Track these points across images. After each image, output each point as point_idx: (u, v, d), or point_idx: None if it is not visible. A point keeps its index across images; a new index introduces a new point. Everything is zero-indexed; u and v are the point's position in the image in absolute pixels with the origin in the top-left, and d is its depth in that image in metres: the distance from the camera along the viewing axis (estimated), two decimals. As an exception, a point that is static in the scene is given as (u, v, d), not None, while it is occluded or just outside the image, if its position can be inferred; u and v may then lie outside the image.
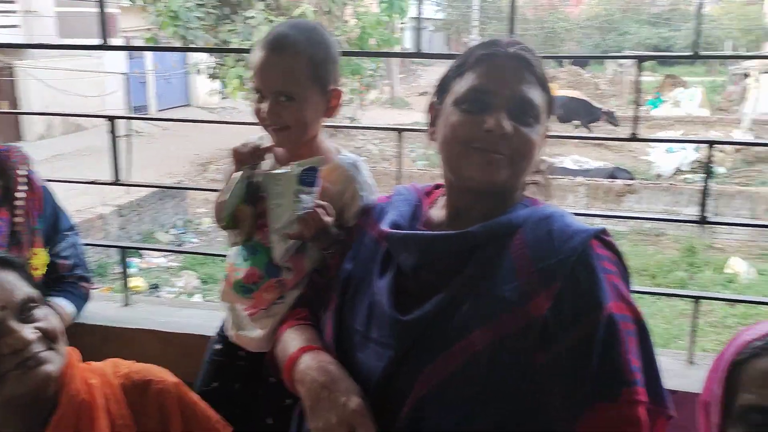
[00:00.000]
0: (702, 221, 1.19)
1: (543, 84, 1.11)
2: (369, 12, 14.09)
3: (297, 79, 1.31)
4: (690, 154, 13.60)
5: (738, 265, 9.38)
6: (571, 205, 11.42)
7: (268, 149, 1.37)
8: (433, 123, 1.19)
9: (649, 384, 1.02)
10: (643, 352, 1.04)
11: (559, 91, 23.01)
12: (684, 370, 1.62)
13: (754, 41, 27.10)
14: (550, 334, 1.01)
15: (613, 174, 12.27)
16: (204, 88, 17.45)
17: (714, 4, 32.92)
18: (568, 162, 13.53)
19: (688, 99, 20.17)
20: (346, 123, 17.11)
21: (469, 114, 1.08)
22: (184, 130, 16.19)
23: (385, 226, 1.19)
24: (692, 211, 10.91)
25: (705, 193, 1.18)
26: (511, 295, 1.03)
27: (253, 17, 12.32)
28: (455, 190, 1.17)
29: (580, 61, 33.52)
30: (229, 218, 1.37)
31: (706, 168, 1.19)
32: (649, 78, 23.28)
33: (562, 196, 11.44)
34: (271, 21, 11.62)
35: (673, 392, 1.11)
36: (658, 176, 13.64)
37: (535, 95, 1.09)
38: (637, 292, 1.24)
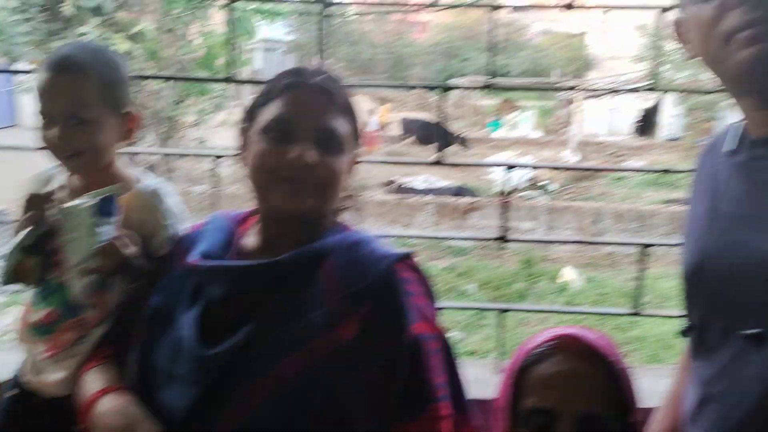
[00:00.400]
0: (503, 238, 1.28)
1: (348, 113, 1.13)
2: (215, 32, 13.80)
3: (88, 101, 1.24)
4: (526, 173, 14.67)
5: (569, 274, 10.22)
6: (420, 224, 11.89)
7: (46, 198, 1.28)
8: (243, 148, 1.18)
9: (455, 396, 1.07)
10: (449, 367, 1.09)
11: (414, 114, 24.00)
12: (493, 378, 1.70)
13: (577, 69, 29.90)
14: (357, 358, 1.03)
15: (458, 192, 12.91)
16: (33, 106, 16.08)
17: (543, 35, 36.06)
18: (418, 182, 14.04)
19: (524, 122, 21.83)
20: (195, 145, 16.59)
21: (274, 143, 1.08)
22: (8, 152, 14.78)
23: (195, 256, 1.16)
24: (529, 226, 11.77)
25: (505, 212, 1.26)
26: (319, 321, 1.04)
27: (86, 34, 11.59)
28: (266, 218, 1.16)
29: (427, 87, 35.14)
30: (10, 276, 1.27)
31: (503, 190, 1.27)
32: (489, 101, 24.93)
33: (411, 215, 11.85)
34: (106, 39, 11.00)
35: (482, 401, 1.17)
36: (501, 193, 14.54)
37: (339, 125, 1.11)
38: (445, 308, 1.29)
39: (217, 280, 1.12)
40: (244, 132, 1.18)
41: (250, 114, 1.16)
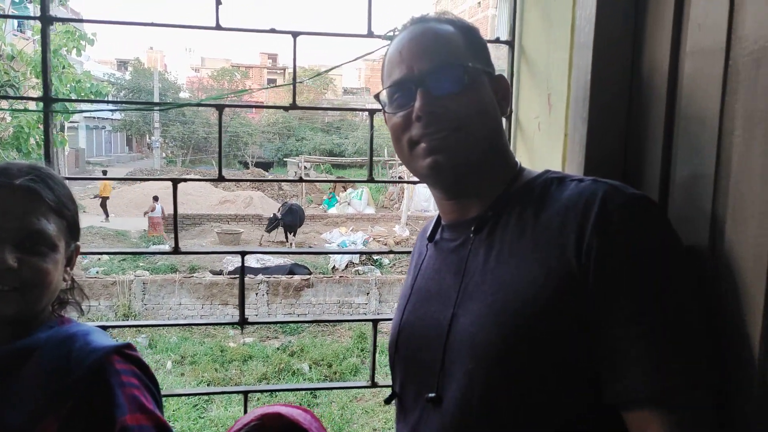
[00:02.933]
0: (242, 323, 1.32)
1: (59, 211, 1.13)
2: (27, 109, 12.94)
3: None
4: (360, 248, 15.08)
5: (397, 344, 10.47)
6: (254, 303, 11.67)
7: None
8: None
9: None
10: None
11: (246, 191, 23.84)
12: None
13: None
14: None
15: (291, 270, 12.89)
16: None
17: (378, 116, 37.90)
18: (252, 261, 13.87)
19: (357, 198, 22.56)
20: None
21: None
22: None
23: None
24: (362, 300, 11.95)
25: (242, 299, 1.32)
26: (15, 421, 1.01)
27: None
28: None
29: (264, 163, 35.34)
30: None
31: (241, 275, 1.33)
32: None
33: (245, 295, 11.56)
34: None
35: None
36: (334, 269, 14.74)
37: (47, 225, 1.10)
38: (188, 395, 1.30)
39: None
40: None
41: None
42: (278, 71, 53.86)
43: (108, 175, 28.81)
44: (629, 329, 0.81)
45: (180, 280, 11.80)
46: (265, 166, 34.59)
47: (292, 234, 17.37)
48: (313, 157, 28.61)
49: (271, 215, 17.82)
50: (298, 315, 11.86)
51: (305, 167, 25.36)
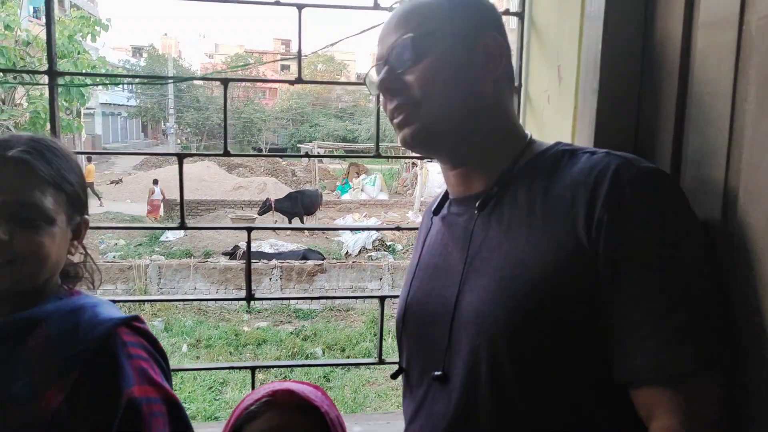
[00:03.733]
0: (248, 298, 1.32)
1: (56, 184, 1.12)
2: (43, 96, 13.04)
3: None
4: (373, 234, 15.10)
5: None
6: (267, 288, 11.73)
7: None
8: None
9: None
10: (176, 430, 1.09)
11: (259, 177, 23.94)
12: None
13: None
14: (65, 426, 1.00)
15: (305, 255, 12.92)
16: None
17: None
18: (266, 246, 13.93)
19: (370, 184, 22.54)
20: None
21: None
22: None
23: None
24: (375, 285, 11.99)
25: (249, 275, 1.32)
26: (20, 391, 1.01)
27: None
28: None
29: (277, 149, 35.41)
30: None
31: (247, 251, 1.33)
32: (337, 166, 25.55)
33: (257, 280, 11.67)
34: None
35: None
36: (347, 254, 14.77)
37: (41, 197, 1.08)
38: (195, 369, 1.30)
39: None
40: None
41: None
42: (292, 57, 53.80)
43: (122, 162, 29.01)
44: (638, 306, 0.79)
45: (195, 265, 11.89)
46: (279, 152, 34.65)
47: (296, 221, 17.40)
48: (327, 143, 28.61)
49: (265, 199, 17.84)
50: (311, 300, 11.91)
51: (319, 153, 25.38)
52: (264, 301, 11.70)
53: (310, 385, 1.12)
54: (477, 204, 0.97)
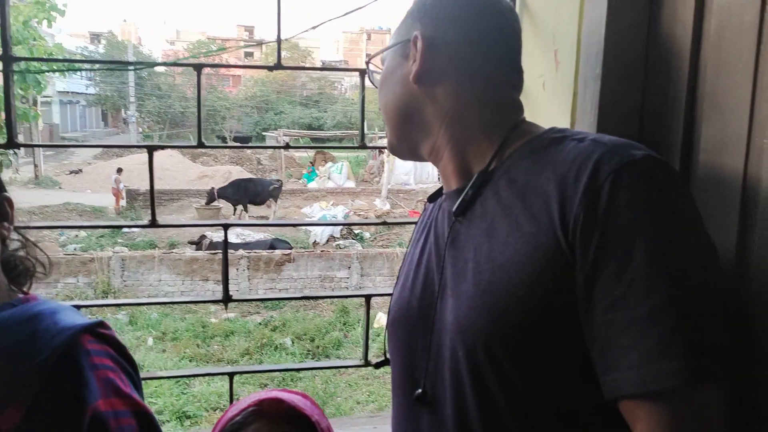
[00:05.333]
0: (226, 300, 1.24)
1: None
2: (-4, 84, 12.57)
3: None
4: (341, 221, 15.04)
5: (384, 320, 10.49)
6: (234, 278, 11.56)
7: None
8: None
9: None
10: None
11: (224, 166, 23.58)
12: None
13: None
14: None
15: (272, 245, 12.77)
16: None
17: (354, 89, 37.77)
18: (232, 236, 13.72)
19: (337, 172, 22.40)
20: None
21: None
22: None
23: None
24: (344, 274, 11.92)
25: (226, 276, 1.23)
26: None
27: None
28: None
29: (242, 137, 34.94)
30: None
31: (224, 250, 1.24)
32: (303, 154, 25.32)
33: (225, 271, 11.49)
34: None
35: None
36: (315, 243, 14.66)
37: None
38: (170, 377, 1.21)
39: None
40: None
41: None
42: (255, 44, 53.00)
43: (81, 152, 28.23)
44: (621, 313, 0.70)
45: (159, 256, 11.65)
46: (244, 140, 34.15)
47: (242, 209, 17.25)
48: (292, 131, 28.26)
49: (209, 188, 17.70)
50: (280, 290, 11.79)
51: (284, 141, 25.09)
52: (231, 293, 11.55)
53: (298, 393, 1.05)
54: (453, 209, 0.90)
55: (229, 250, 8.87)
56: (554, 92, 1.15)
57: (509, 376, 0.78)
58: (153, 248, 13.34)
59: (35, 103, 16.43)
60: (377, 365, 1.03)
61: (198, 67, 1.16)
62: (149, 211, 1.24)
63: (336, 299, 11.40)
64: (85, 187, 20.62)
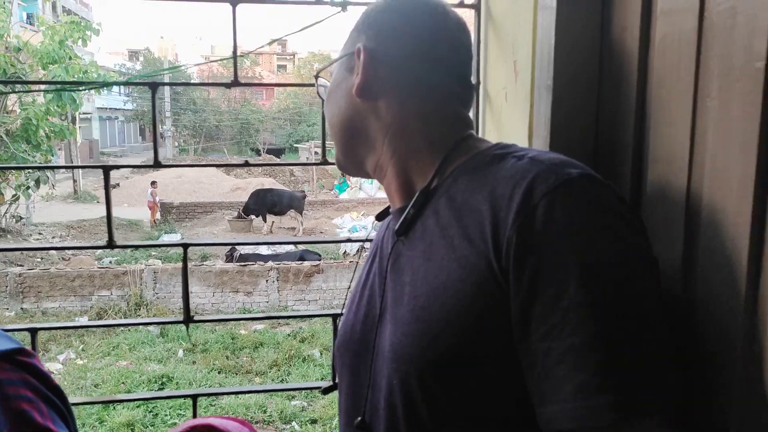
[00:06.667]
0: (187, 321, 1.22)
1: None
2: (35, 102, 12.96)
3: None
4: (371, 233, 15.02)
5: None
6: (264, 290, 11.64)
7: None
8: None
9: None
10: None
11: (257, 178, 23.87)
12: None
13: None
14: None
15: (302, 256, 12.84)
16: None
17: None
18: (262, 248, 13.84)
19: (368, 183, 22.44)
20: (11, 223, 15.24)
21: None
22: None
23: None
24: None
25: (186, 297, 1.22)
26: None
27: None
28: None
29: (275, 149, 35.34)
30: None
31: (183, 268, 1.22)
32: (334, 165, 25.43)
33: (255, 282, 11.60)
34: None
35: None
36: (345, 254, 14.69)
37: None
38: (125, 401, 1.20)
39: None
40: None
41: None
42: (288, 56, 53.83)
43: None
44: (556, 342, 0.65)
45: (190, 269, 11.80)
46: (277, 152, 34.57)
47: (262, 219, 17.37)
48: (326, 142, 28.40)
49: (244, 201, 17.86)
50: (309, 301, 11.81)
51: (315, 152, 25.25)
52: (261, 304, 11.62)
53: (237, 420, 1.02)
54: (395, 229, 0.87)
55: (259, 262, 8.97)
56: (515, 104, 1.11)
57: (444, 408, 0.74)
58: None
59: (74, 120, 16.90)
60: (325, 391, 1.00)
61: (153, 86, 1.16)
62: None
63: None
64: (122, 201, 21.06)
